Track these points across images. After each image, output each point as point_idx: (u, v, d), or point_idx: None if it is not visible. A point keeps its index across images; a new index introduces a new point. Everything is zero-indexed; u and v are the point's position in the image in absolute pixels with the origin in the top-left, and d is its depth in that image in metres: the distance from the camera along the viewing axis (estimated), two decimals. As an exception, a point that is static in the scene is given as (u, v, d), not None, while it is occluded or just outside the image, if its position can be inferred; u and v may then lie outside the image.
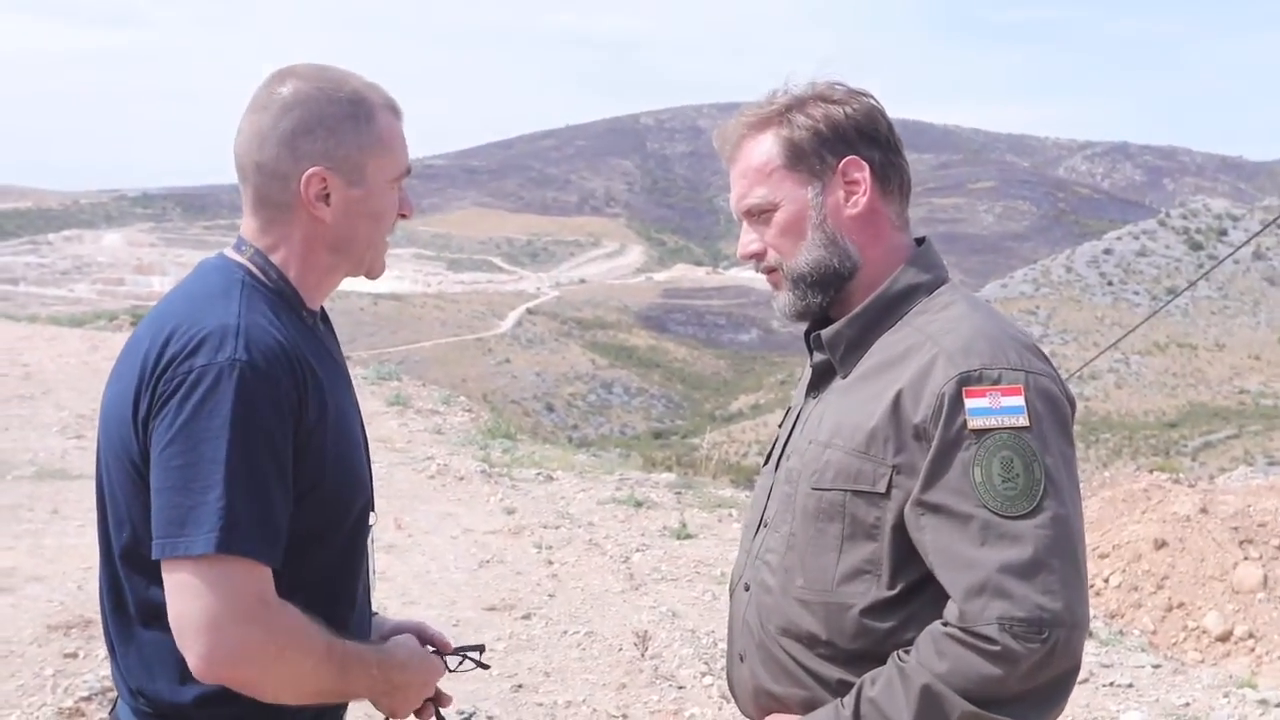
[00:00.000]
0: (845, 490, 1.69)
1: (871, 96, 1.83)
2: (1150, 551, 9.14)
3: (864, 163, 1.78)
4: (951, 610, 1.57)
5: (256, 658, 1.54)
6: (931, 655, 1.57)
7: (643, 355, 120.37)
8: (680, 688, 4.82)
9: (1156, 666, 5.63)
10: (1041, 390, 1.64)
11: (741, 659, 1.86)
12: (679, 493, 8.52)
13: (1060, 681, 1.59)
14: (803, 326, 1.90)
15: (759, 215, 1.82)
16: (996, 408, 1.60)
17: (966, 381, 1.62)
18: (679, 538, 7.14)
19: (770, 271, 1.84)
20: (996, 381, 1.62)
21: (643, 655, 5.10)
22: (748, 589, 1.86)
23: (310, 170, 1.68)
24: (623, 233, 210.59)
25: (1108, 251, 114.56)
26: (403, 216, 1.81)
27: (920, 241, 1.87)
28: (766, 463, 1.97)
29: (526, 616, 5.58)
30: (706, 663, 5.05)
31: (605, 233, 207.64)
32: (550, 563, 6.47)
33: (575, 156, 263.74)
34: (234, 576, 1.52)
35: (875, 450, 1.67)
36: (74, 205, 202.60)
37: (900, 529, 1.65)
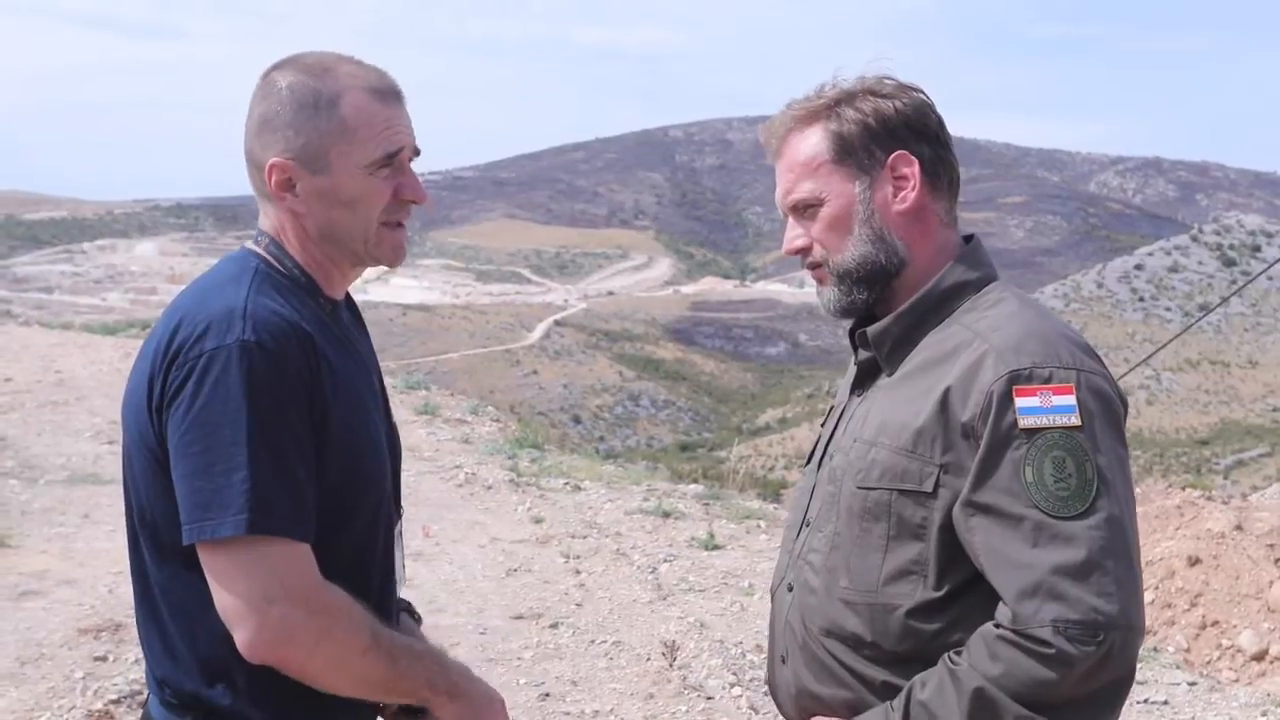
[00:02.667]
0: (891, 489, 1.66)
1: (922, 91, 1.79)
2: (1184, 568, 9.02)
3: (913, 158, 1.75)
4: (1004, 612, 1.55)
5: (301, 638, 1.53)
6: (984, 658, 1.54)
7: (670, 368, 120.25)
8: (709, 698, 4.78)
9: (1192, 684, 5.56)
10: (1094, 389, 1.61)
11: (784, 660, 1.84)
12: (707, 504, 8.48)
13: (1115, 687, 1.56)
14: (848, 324, 1.87)
15: (805, 210, 1.79)
16: (1048, 406, 1.57)
17: (1017, 380, 1.58)
18: (707, 548, 7.10)
19: (815, 267, 1.81)
20: (1048, 380, 1.58)
21: (671, 665, 5.07)
22: (790, 589, 1.83)
23: (271, 160, 1.68)
24: (651, 245, 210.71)
25: (1139, 267, 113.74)
26: (411, 203, 1.74)
27: (969, 239, 1.84)
28: (809, 462, 1.94)
29: (554, 625, 5.56)
30: (735, 673, 5.02)
31: (633, 245, 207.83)
32: (578, 572, 6.45)
33: (604, 169, 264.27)
34: (271, 556, 1.52)
35: (922, 449, 1.64)
36: (108, 215, 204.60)
37: (947, 529, 1.62)
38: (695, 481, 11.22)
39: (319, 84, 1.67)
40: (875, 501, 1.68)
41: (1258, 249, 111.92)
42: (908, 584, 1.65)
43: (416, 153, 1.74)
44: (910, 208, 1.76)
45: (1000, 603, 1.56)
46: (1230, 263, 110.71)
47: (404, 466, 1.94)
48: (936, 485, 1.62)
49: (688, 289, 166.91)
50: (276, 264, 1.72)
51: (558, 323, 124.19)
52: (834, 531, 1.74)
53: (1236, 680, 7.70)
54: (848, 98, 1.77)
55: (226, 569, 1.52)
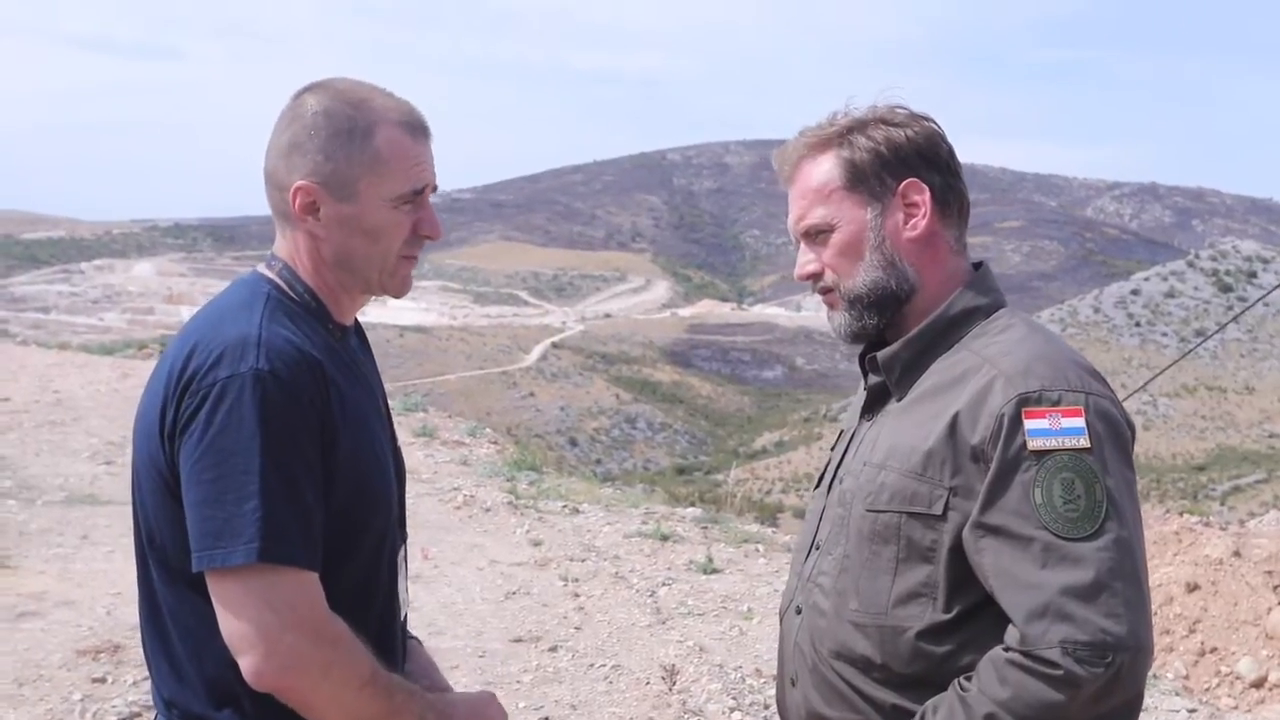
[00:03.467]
0: (901, 512, 1.68)
1: (933, 121, 1.82)
2: (1182, 595, 9.02)
3: (924, 186, 1.77)
4: (1012, 634, 1.55)
5: (306, 667, 1.54)
6: (993, 682, 1.55)
7: (667, 390, 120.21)
8: (708, 723, 4.77)
9: (1192, 711, 5.55)
10: (1102, 412, 1.62)
11: (793, 683, 1.85)
12: (705, 527, 8.47)
13: (1124, 709, 1.56)
14: (852, 349, 1.90)
15: (817, 236, 1.82)
16: (1057, 429, 1.58)
17: (1026, 402, 1.60)
18: (705, 572, 7.09)
19: (827, 292, 1.84)
20: (1056, 403, 1.60)
21: (670, 689, 5.06)
22: (799, 612, 1.84)
23: (297, 183, 1.69)
24: (648, 268, 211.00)
25: (1135, 292, 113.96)
26: (427, 238, 1.77)
27: (978, 266, 1.86)
28: (818, 485, 1.96)
29: (553, 649, 5.55)
30: (735, 697, 5.01)
31: (631, 268, 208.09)
32: (576, 595, 6.44)
33: (602, 191, 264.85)
34: (280, 585, 1.53)
35: (932, 472, 1.65)
36: (106, 235, 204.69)
37: (957, 551, 1.63)
38: (693, 505, 11.21)
39: (355, 113, 1.69)
40: (884, 524, 1.69)
41: (1254, 275, 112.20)
42: (917, 606, 1.66)
43: (435, 189, 1.77)
44: (921, 235, 1.78)
45: (1009, 624, 1.56)
46: (1226, 288, 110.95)
47: (403, 488, 1.95)
48: (946, 508, 1.64)
49: (685, 312, 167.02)
50: (288, 289, 1.74)
51: (555, 345, 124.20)
52: (843, 554, 1.76)
53: (1236, 707, 7.69)
54: (860, 126, 1.79)
55: (237, 596, 1.53)
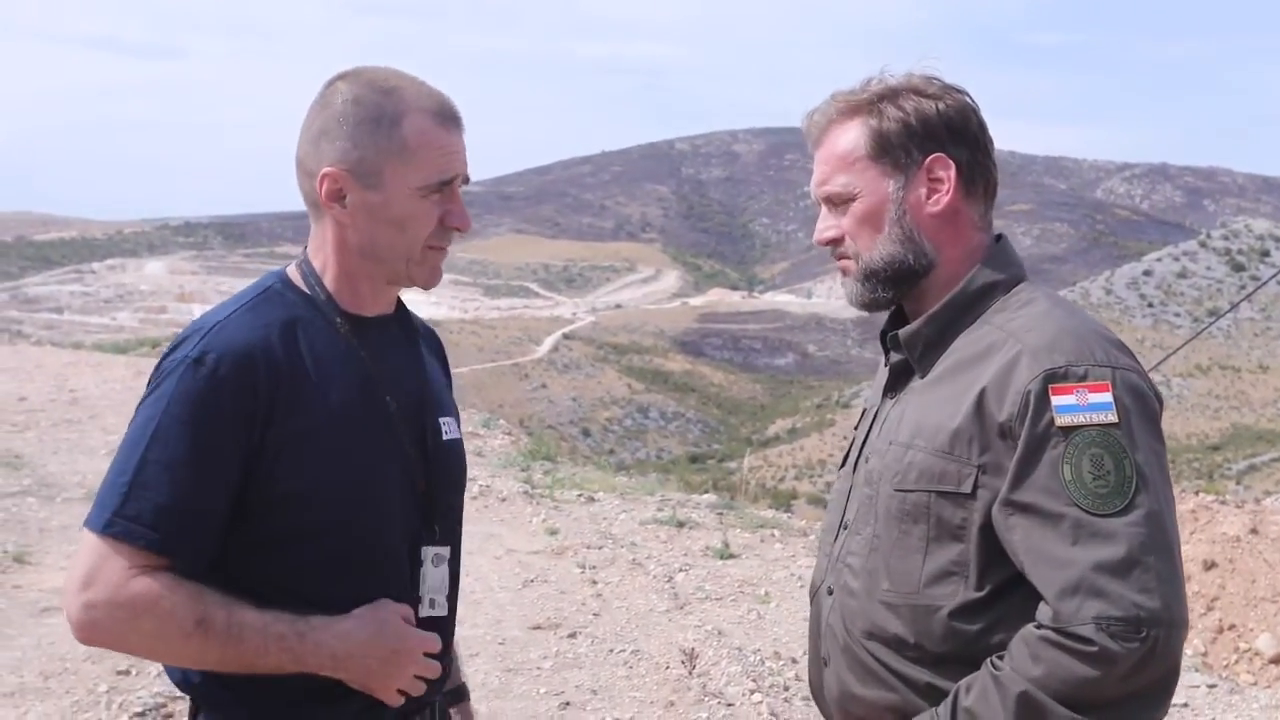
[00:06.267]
0: (929, 491, 1.66)
1: (967, 94, 1.79)
2: (1199, 573, 9.01)
3: (950, 161, 1.75)
4: (1045, 611, 1.54)
5: (106, 625, 1.60)
6: (1026, 660, 1.53)
7: (679, 380, 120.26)
8: (729, 705, 4.80)
9: (1212, 686, 5.56)
10: (1129, 385, 1.60)
11: (825, 663, 1.83)
12: (720, 513, 8.50)
13: (1160, 684, 1.54)
14: (868, 334, 1.90)
15: (838, 203, 1.79)
16: (1084, 404, 1.57)
17: (1053, 379, 1.58)
18: (722, 557, 7.12)
19: (843, 258, 1.82)
20: (1083, 378, 1.58)
21: (690, 673, 5.08)
22: (830, 593, 1.83)
23: (325, 169, 1.69)
24: (658, 258, 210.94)
25: (1148, 273, 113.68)
26: (457, 230, 1.76)
27: (998, 239, 1.84)
28: (844, 465, 1.93)
29: (572, 635, 5.58)
30: (754, 680, 5.03)
31: (641, 258, 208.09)
32: (594, 582, 6.47)
33: (611, 182, 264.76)
34: (110, 558, 1.59)
35: (959, 450, 1.64)
36: (118, 234, 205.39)
37: (987, 530, 1.61)
38: (707, 492, 11.24)
39: (384, 101, 1.69)
40: (913, 504, 1.68)
41: (1266, 254, 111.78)
42: (949, 585, 1.65)
43: (466, 180, 1.76)
44: (943, 211, 1.76)
45: (1041, 602, 1.55)
46: (1239, 268, 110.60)
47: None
48: (975, 486, 1.62)
49: (695, 301, 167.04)
50: (300, 282, 1.77)
51: (566, 336, 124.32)
52: (873, 534, 1.74)
53: (1255, 683, 7.69)
54: (891, 94, 1.76)
55: (79, 554, 1.63)
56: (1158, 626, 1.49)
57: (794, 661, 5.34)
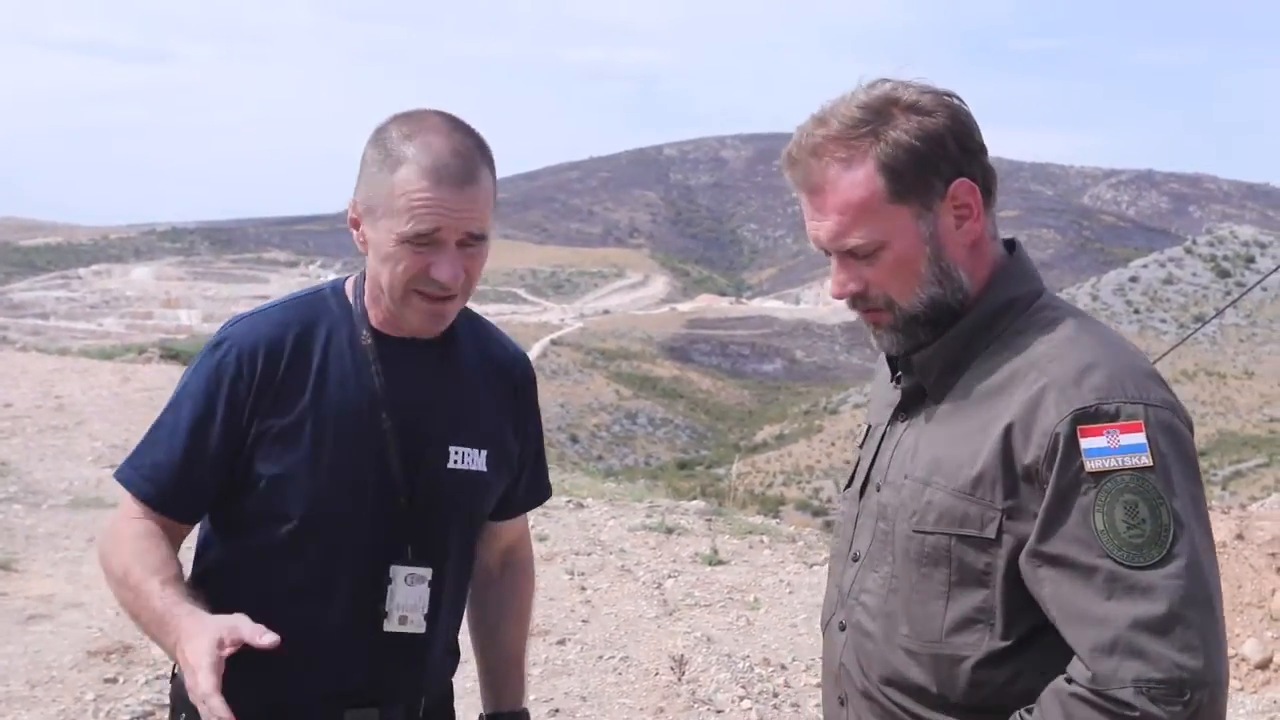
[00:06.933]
0: (951, 534, 1.55)
1: (956, 97, 1.64)
2: (1186, 578, 9.03)
3: (974, 186, 1.61)
4: (1079, 671, 1.42)
5: (99, 552, 1.88)
6: (1059, 719, 1.43)
7: (667, 386, 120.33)
8: (719, 711, 4.80)
9: (1197, 692, 5.56)
10: (1164, 424, 1.48)
11: (842, 702, 1.74)
12: (709, 520, 8.50)
13: None
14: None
15: (861, 254, 1.62)
16: (1115, 447, 1.45)
17: (1081, 419, 1.46)
18: (710, 564, 7.12)
19: (874, 311, 1.65)
20: (1114, 417, 1.46)
21: (679, 679, 5.08)
22: (842, 628, 1.73)
23: (352, 198, 1.83)
24: (646, 263, 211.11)
25: (1134, 279, 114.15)
26: (439, 282, 1.76)
27: (1010, 246, 1.71)
28: (849, 485, 1.82)
29: (561, 642, 5.58)
30: (744, 686, 5.03)
31: (629, 264, 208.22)
32: (583, 589, 6.47)
33: (599, 188, 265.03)
34: (125, 496, 1.86)
35: (983, 492, 1.53)
36: (104, 240, 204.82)
37: (1013, 576, 1.51)
38: (695, 499, 11.24)
39: (393, 148, 1.76)
40: (934, 546, 1.57)
41: (1251, 260, 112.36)
42: (974, 634, 1.54)
43: (475, 237, 1.77)
44: (974, 239, 1.63)
45: (1073, 657, 1.44)
46: (1224, 274, 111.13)
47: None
48: (1000, 531, 1.51)
49: (684, 307, 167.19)
50: (349, 293, 1.91)
51: (554, 342, 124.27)
52: (890, 574, 1.63)
53: (1242, 689, 7.71)
54: (887, 119, 1.59)
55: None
56: (1201, 688, 1.38)
57: (783, 668, 5.35)
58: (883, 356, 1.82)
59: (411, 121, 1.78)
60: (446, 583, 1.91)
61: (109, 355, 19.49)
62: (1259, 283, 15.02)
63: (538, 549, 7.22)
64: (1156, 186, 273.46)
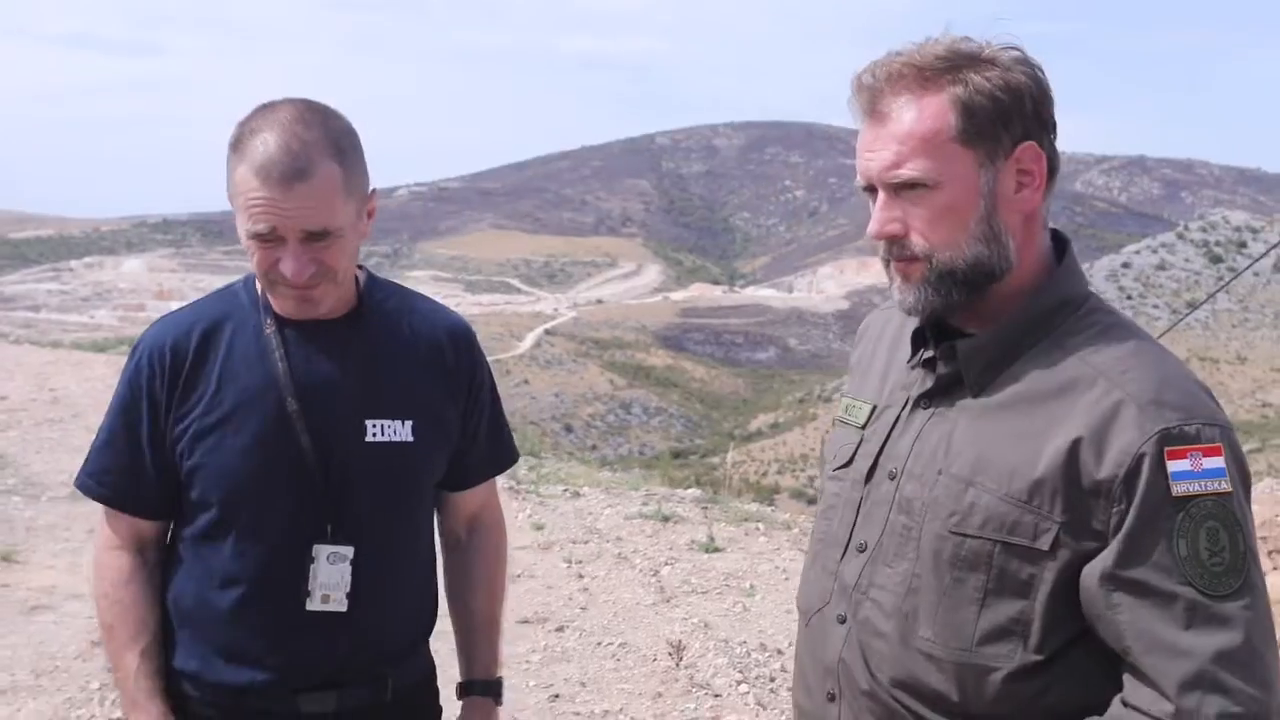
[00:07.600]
0: (996, 540, 1.47)
1: (1040, 69, 1.54)
2: (1178, 562, 9.11)
3: (1042, 153, 1.52)
4: (1158, 704, 1.38)
5: (92, 580, 2.00)
6: None
7: (661, 375, 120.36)
8: (716, 695, 4.86)
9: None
10: (1234, 447, 1.44)
11: (832, 698, 1.64)
12: (705, 507, 8.55)
13: None
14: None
15: (909, 190, 1.51)
16: (1199, 470, 1.40)
17: (1167, 440, 1.40)
18: (707, 551, 7.17)
19: (909, 259, 1.55)
20: (1196, 439, 1.41)
21: (677, 665, 5.14)
22: (843, 621, 1.63)
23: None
24: (639, 253, 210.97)
25: (1126, 265, 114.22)
26: (285, 278, 1.79)
27: (1056, 239, 1.62)
28: (848, 465, 1.70)
29: (560, 629, 5.63)
30: (741, 671, 5.09)
31: (622, 253, 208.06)
32: (581, 577, 6.52)
33: (591, 177, 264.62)
34: (98, 509, 1.99)
35: (1040, 502, 1.44)
36: (95, 232, 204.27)
37: (1060, 591, 1.44)
38: (690, 487, 11.29)
39: (239, 143, 1.76)
40: (972, 550, 1.49)
41: (1243, 245, 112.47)
42: (1007, 645, 1.47)
43: (317, 234, 1.76)
44: (1030, 209, 1.55)
45: (1147, 687, 1.40)
46: (1217, 259, 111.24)
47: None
48: (1055, 544, 1.44)
49: (677, 296, 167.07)
50: (258, 282, 1.90)
51: (548, 332, 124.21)
52: (911, 573, 1.55)
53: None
54: (973, 62, 1.50)
55: None
56: (1273, 717, 1.38)
57: (779, 653, 5.41)
58: (893, 330, 1.75)
59: (260, 115, 1.77)
60: (376, 560, 1.91)
61: (102, 348, 19.47)
62: (1250, 267, 15.09)
63: (535, 537, 7.31)
64: (1148, 172, 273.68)
